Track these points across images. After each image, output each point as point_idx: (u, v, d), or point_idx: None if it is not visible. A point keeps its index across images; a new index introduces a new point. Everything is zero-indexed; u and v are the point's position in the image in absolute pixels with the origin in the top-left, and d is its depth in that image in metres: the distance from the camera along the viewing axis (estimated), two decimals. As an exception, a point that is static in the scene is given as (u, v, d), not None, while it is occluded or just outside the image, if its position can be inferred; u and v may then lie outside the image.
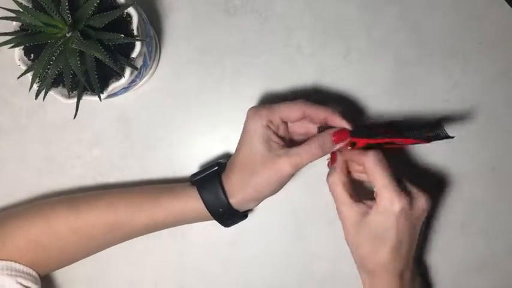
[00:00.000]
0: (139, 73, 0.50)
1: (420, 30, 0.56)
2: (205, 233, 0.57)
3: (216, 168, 0.51)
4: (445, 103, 0.56)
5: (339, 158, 0.49)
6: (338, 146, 0.48)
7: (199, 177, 0.51)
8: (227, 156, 0.56)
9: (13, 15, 0.43)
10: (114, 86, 0.46)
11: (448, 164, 0.56)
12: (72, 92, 0.46)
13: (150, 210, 0.50)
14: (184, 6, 0.57)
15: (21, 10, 0.43)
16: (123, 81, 0.46)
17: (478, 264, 0.56)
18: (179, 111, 0.57)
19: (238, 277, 0.54)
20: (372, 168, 0.45)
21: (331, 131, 0.48)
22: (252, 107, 0.49)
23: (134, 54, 0.46)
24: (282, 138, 0.49)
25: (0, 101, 0.57)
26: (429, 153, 0.56)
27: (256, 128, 0.48)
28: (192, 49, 0.57)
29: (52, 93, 0.46)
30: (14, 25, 0.46)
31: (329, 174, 0.49)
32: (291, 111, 0.48)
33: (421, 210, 0.46)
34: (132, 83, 0.50)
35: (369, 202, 0.47)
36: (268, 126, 0.48)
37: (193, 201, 0.49)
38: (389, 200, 0.45)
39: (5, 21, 0.43)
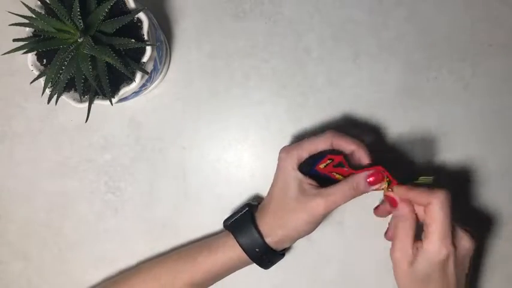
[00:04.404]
0: (150, 77, 0.50)
1: (429, 33, 0.56)
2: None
3: (247, 209, 0.52)
4: (455, 106, 0.56)
5: (405, 206, 0.47)
6: (372, 188, 0.48)
7: (232, 220, 0.52)
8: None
9: (26, 21, 0.44)
10: (125, 90, 0.47)
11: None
12: (83, 97, 0.46)
13: (191, 270, 0.51)
14: (193, 11, 0.57)
15: (34, 16, 0.43)
16: (134, 85, 0.47)
17: None
18: (189, 114, 0.57)
19: (248, 278, 0.54)
20: (435, 211, 0.44)
21: (367, 173, 0.48)
22: (284, 148, 0.50)
23: (145, 59, 0.46)
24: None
25: (13, 106, 0.58)
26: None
27: (289, 169, 0.48)
28: (201, 53, 0.57)
29: (64, 97, 0.46)
30: (26, 31, 0.46)
31: (398, 222, 0.47)
32: (319, 145, 0.48)
33: (464, 252, 0.46)
34: (142, 87, 0.51)
35: (419, 243, 0.46)
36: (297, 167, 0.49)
37: (231, 250, 0.50)
38: (435, 246, 0.44)
39: (18, 27, 0.44)
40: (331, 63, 0.56)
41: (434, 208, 0.44)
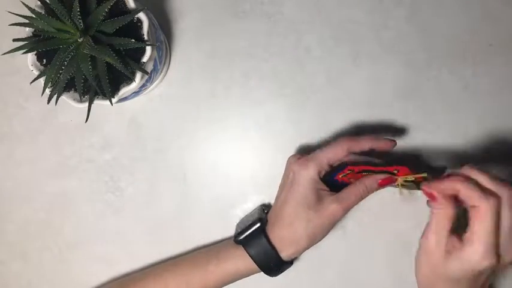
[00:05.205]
0: (150, 77, 0.50)
1: (429, 33, 0.56)
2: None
3: (259, 224, 0.51)
4: (455, 105, 0.56)
5: (443, 197, 0.42)
6: (384, 187, 0.49)
7: (244, 236, 0.51)
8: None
9: (26, 21, 0.44)
10: (125, 90, 0.47)
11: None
12: (83, 97, 0.46)
13: (200, 278, 0.51)
14: (193, 11, 0.57)
15: (34, 16, 0.43)
16: (134, 85, 0.47)
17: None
18: (189, 114, 0.57)
19: (248, 280, 0.54)
20: (482, 212, 0.40)
21: (378, 177, 0.48)
22: (297, 160, 0.49)
23: (145, 59, 0.46)
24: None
25: (13, 106, 0.58)
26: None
27: (306, 182, 0.48)
28: (201, 53, 0.57)
29: (64, 97, 0.46)
30: (27, 31, 0.46)
31: (436, 206, 0.42)
32: (337, 153, 0.48)
33: (503, 266, 0.42)
34: (142, 87, 0.51)
35: (455, 238, 0.42)
36: (318, 178, 0.49)
37: (239, 260, 0.50)
38: (478, 255, 0.40)
39: (18, 27, 0.44)
40: (331, 63, 0.56)
41: (485, 213, 0.40)
